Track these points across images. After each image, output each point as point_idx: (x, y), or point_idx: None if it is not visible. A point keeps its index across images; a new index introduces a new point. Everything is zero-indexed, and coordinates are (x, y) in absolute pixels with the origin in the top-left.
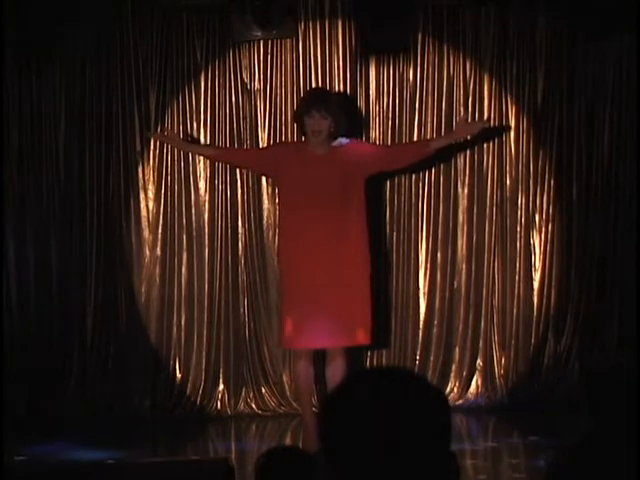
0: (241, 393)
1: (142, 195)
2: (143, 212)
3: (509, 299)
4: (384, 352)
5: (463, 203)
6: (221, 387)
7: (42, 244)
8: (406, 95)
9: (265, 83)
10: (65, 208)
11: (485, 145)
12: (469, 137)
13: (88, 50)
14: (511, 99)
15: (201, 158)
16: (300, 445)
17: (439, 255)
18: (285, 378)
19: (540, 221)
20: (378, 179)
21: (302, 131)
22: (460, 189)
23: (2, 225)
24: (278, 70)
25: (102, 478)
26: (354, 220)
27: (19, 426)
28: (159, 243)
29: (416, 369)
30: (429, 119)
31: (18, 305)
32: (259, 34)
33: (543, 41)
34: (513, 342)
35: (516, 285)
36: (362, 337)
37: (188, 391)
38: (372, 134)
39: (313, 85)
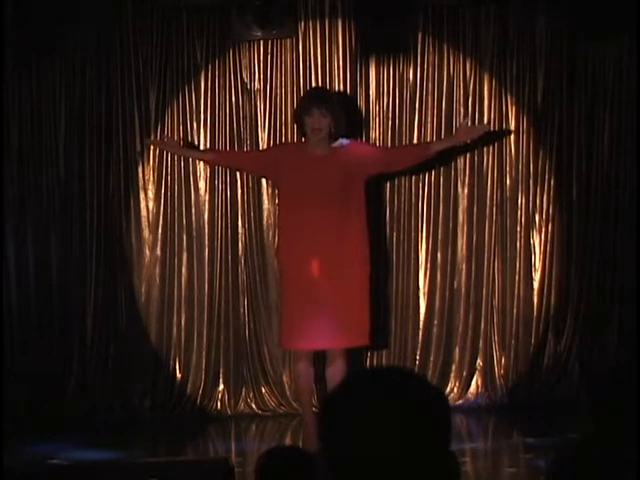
0: (241, 393)
1: (142, 195)
2: (143, 212)
3: (509, 299)
4: (384, 352)
5: (463, 203)
6: (221, 387)
7: (42, 244)
8: (406, 95)
9: (265, 83)
10: (65, 208)
11: (485, 145)
12: (469, 141)
13: (88, 50)
14: (511, 99)
15: None
16: (300, 445)
17: (439, 255)
18: (285, 378)
19: (540, 221)
20: (378, 179)
21: (302, 131)
22: (460, 189)
23: (2, 225)
24: (278, 70)
25: (102, 478)
26: (354, 221)
27: (19, 426)
28: (159, 243)
29: (416, 369)
30: (429, 119)
31: (18, 305)
32: (259, 34)
33: (543, 41)
34: (513, 342)
35: (516, 285)
36: (361, 338)
37: (188, 391)
38: (372, 134)
39: (313, 85)
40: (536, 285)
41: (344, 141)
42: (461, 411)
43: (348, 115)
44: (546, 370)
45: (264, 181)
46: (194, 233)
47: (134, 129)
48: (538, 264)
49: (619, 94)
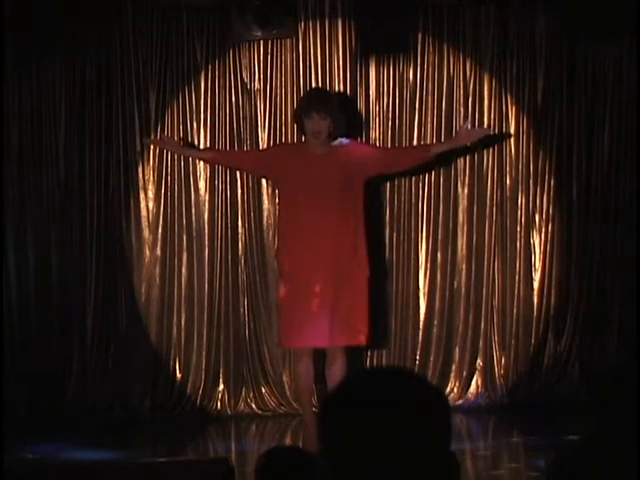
0: (241, 393)
1: (142, 195)
2: (143, 212)
3: (509, 299)
4: (384, 352)
5: (463, 203)
6: (221, 387)
7: (42, 244)
8: (406, 95)
9: (265, 83)
10: (65, 208)
11: (485, 145)
12: (469, 144)
13: (88, 50)
14: (511, 99)
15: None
16: (300, 445)
17: (439, 255)
18: (285, 378)
19: (540, 221)
20: (378, 180)
21: (302, 131)
22: (460, 189)
23: (2, 225)
24: (278, 70)
25: (102, 478)
26: (353, 220)
27: (19, 426)
28: (159, 243)
29: (416, 369)
30: (429, 119)
31: (18, 305)
32: (259, 34)
33: (543, 41)
34: (513, 342)
35: (516, 285)
36: (360, 337)
37: (188, 391)
38: (372, 134)
39: (313, 85)
40: (536, 285)
41: (343, 140)
42: (461, 411)
43: (348, 116)
44: (546, 370)
45: (264, 181)
46: (194, 233)
47: (134, 129)
48: (538, 264)
49: (619, 94)
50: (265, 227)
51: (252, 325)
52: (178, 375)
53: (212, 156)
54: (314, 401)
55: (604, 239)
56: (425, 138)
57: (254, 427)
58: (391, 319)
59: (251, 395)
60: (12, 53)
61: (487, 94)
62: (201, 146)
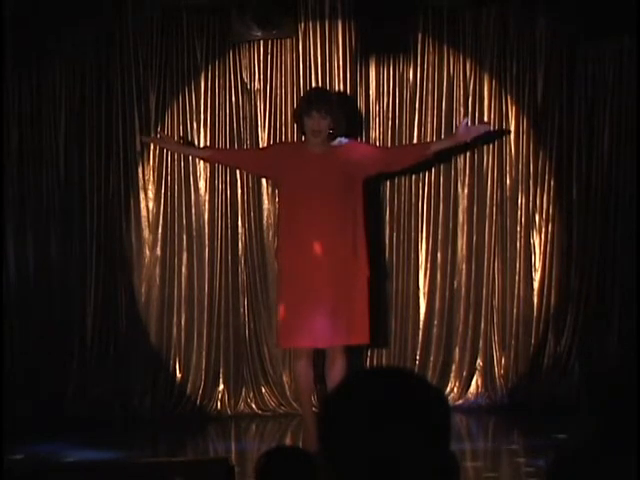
0: (241, 393)
1: (142, 195)
2: (143, 212)
3: (509, 299)
4: (384, 352)
5: (463, 203)
6: (221, 387)
7: (42, 244)
8: (406, 95)
9: (265, 83)
10: (65, 208)
11: (485, 145)
12: (469, 141)
13: (88, 50)
14: (511, 99)
15: None
16: (300, 445)
17: (439, 255)
18: (285, 378)
19: (540, 221)
20: (378, 179)
21: (302, 131)
22: (460, 189)
23: (2, 225)
24: (278, 70)
25: (102, 478)
26: (352, 219)
27: (19, 426)
28: (159, 243)
29: (416, 369)
30: (429, 119)
31: (18, 305)
32: (259, 34)
33: (543, 41)
34: (513, 342)
35: (516, 285)
36: (360, 336)
37: (188, 391)
38: (372, 134)
39: (313, 85)
40: (536, 285)
41: (343, 140)
42: (461, 411)
43: (348, 115)
44: (546, 370)
45: (264, 181)
46: (194, 233)
47: (134, 129)
48: (538, 264)
49: (619, 94)
50: (265, 227)
51: (252, 325)
52: (178, 375)
53: (211, 155)
54: (314, 401)
55: (604, 239)
56: (425, 138)
57: (254, 427)
58: (391, 319)
59: (251, 395)
60: (12, 53)
61: (487, 94)
62: (201, 146)
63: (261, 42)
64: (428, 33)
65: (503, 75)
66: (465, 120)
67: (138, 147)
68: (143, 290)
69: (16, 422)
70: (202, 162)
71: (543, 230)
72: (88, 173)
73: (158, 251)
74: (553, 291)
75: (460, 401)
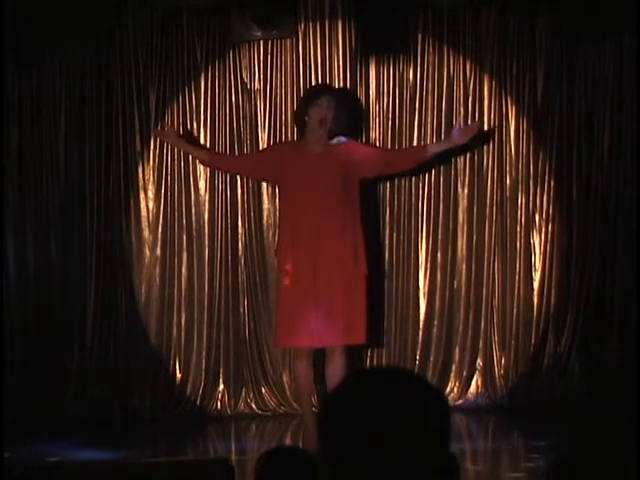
0: (241, 393)
1: (142, 195)
2: (143, 212)
3: (509, 299)
4: (384, 352)
5: (463, 203)
6: (221, 387)
7: (42, 244)
8: (406, 95)
9: (265, 83)
10: (65, 208)
11: (485, 145)
12: (468, 141)
13: (88, 50)
14: (511, 99)
15: None
16: (300, 445)
17: (439, 255)
18: (285, 378)
19: (540, 221)
20: (378, 179)
21: (301, 129)
22: (460, 189)
23: (2, 225)
24: (278, 70)
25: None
26: (351, 218)
27: (19, 426)
28: (159, 243)
29: (416, 369)
30: (429, 119)
31: (18, 305)
32: (259, 34)
33: (543, 41)
34: (513, 342)
35: (516, 285)
36: (357, 336)
37: (188, 391)
38: (372, 134)
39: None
40: (536, 285)
41: (342, 139)
42: (461, 411)
43: (348, 113)
44: (546, 370)
45: None
46: (194, 233)
47: (134, 129)
48: (538, 264)
49: (619, 94)
50: (265, 227)
51: (252, 325)
52: (178, 375)
53: (210, 159)
54: (314, 401)
55: (604, 239)
56: (425, 138)
57: (254, 427)
58: (391, 319)
59: (251, 395)
60: (12, 53)
61: (487, 94)
62: (204, 145)
63: (261, 42)
64: (428, 33)
65: (503, 75)
66: (457, 122)
67: (138, 147)
68: (143, 290)
69: (16, 422)
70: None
71: (543, 230)
72: (88, 173)
73: (158, 251)
74: (553, 291)
75: (460, 401)
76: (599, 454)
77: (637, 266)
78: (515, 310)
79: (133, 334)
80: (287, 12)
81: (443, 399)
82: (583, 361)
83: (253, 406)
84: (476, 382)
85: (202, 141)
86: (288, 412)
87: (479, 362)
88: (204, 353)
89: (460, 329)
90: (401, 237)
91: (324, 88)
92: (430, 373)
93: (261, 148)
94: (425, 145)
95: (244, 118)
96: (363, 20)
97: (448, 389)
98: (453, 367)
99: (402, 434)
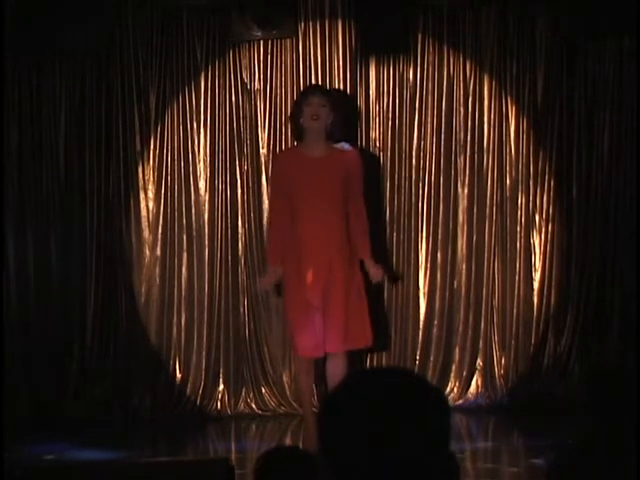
0: (241, 393)
1: (142, 195)
2: (143, 212)
3: (509, 299)
4: (384, 352)
5: (463, 203)
6: (221, 387)
7: (42, 244)
8: (406, 95)
9: (265, 83)
10: (65, 208)
11: (485, 145)
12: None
13: (88, 50)
14: (511, 99)
15: (201, 158)
16: (300, 445)
17: (439, 255)
18: (285, 378)
19: (540, 221)
20: (378, 179)
21: (297, 133)
22: (460, 189)
23: (2, 225)
24: (278, 70)
25: (102, 478)
26: (351, 223)
27: (19, 426)
28: (159, 243)
29: (416, 369)
30: (429, 119)
31: (18, 305)
32: (259, 34)
33: (543, 41)
34: (513, 342)
35: (516, 285)
36: (363, 340)
37: (188, 391)
38: (372, 134)
39: None
40: (536, 285)
41: (346, 145)
42: (461, 411)
43: (347, 115)
44: (546, 370)
45: (264, 181)
46: (194, 233)
47: (134, 129)
48: (538, 264)
49: (619, 94)
50: (265, 227)
51: (252, 325)
52: (178, 375)
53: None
54: (314, 401)
55: (604, 239)
56: (425, 138)
57: (254, 427)
58: (391, 319)
59: (251, 395)
60: (12, 53)
61: (487, 94)
62: (201, 146)
63: (261, 42)
64: (428, 33)
65: (503, 75)
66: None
67: (138, 147)
68: (143, 290)
69: (16, 422)
70: (202, 162)
71: (543, 230)
72: (88, 173)
73: (158, 251)
74: (553, 291)
75: (460, 401)
76: (599, 454)
77: (637, 266)
78: (515, 310)
79: (133, 334)
80: (287, 12)
81: (443, 399)
82: (583, 361)
83: (253, 406)
84: (476, 382)
85: (202, 141)
86: (288, 412)
87: (479, 362)
88: (204, 353)
89: (460, 329)
90: (401, 237)
91: (314, 87)
92: (430, 373)
93: (271, 182)
94: (367, 252)
95: (244, 118)
96: (363, 20)
97: (448, 389)
98: (453, 367)
99: (402, 434)
